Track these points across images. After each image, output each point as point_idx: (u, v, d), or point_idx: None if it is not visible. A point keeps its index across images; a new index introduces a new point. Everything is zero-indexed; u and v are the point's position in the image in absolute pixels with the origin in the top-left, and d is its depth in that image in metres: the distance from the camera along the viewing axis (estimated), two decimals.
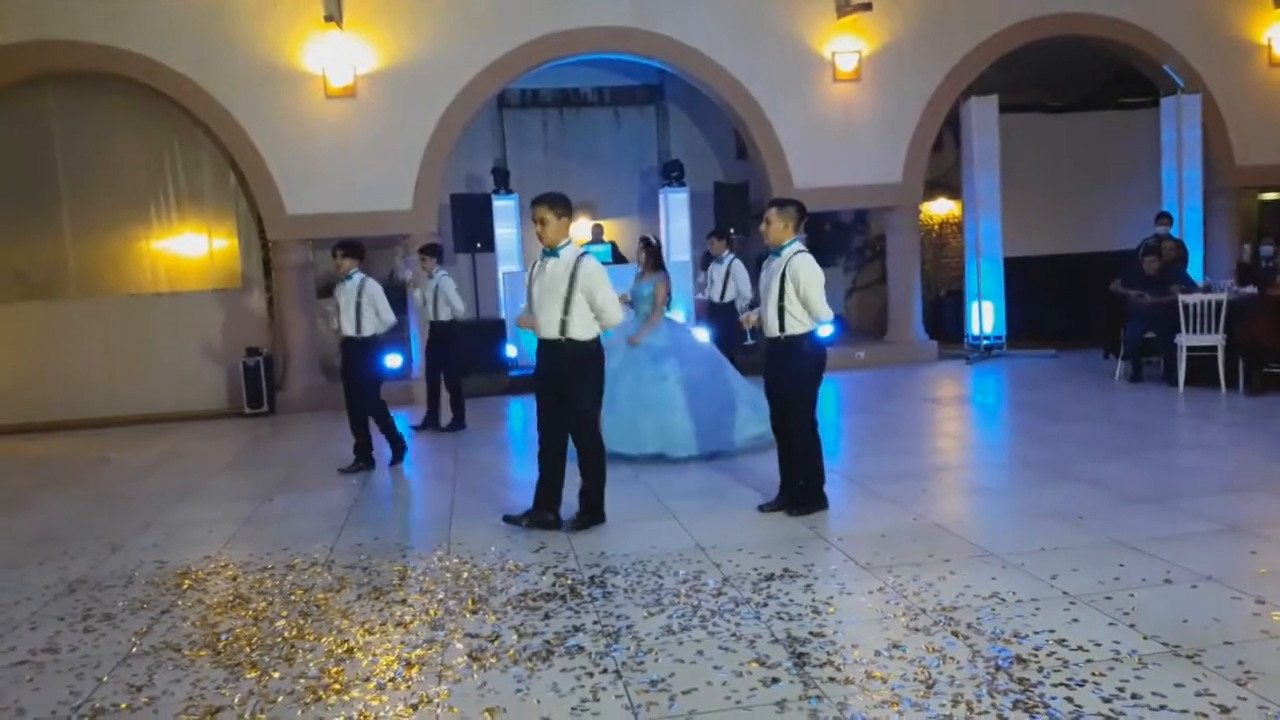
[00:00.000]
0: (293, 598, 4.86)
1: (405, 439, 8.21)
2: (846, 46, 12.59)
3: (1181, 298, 9.57)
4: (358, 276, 7.87)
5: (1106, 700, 3.31)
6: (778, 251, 5.79)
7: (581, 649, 3.99)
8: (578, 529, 5.75)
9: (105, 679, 3.98)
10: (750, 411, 7.58)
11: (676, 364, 7.66)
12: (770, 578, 4.73)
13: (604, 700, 3.52)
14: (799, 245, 5.81)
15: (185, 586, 5.16)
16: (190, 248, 12.31)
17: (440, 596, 4.74)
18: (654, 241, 8.14)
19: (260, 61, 11.39)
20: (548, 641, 4.08)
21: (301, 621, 4.50)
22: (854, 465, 7.20)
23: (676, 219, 13.91)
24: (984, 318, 13.12)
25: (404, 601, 4.70)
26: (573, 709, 3.47)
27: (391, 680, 3.78)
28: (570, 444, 5.88)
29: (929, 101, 12.89)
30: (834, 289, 6.56)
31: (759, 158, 12.82)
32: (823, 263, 5.87)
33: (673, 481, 6.93)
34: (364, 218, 11.59)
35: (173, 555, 5.78)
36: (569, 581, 4.85)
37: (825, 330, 5.97)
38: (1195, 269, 11.96)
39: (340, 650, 4.11)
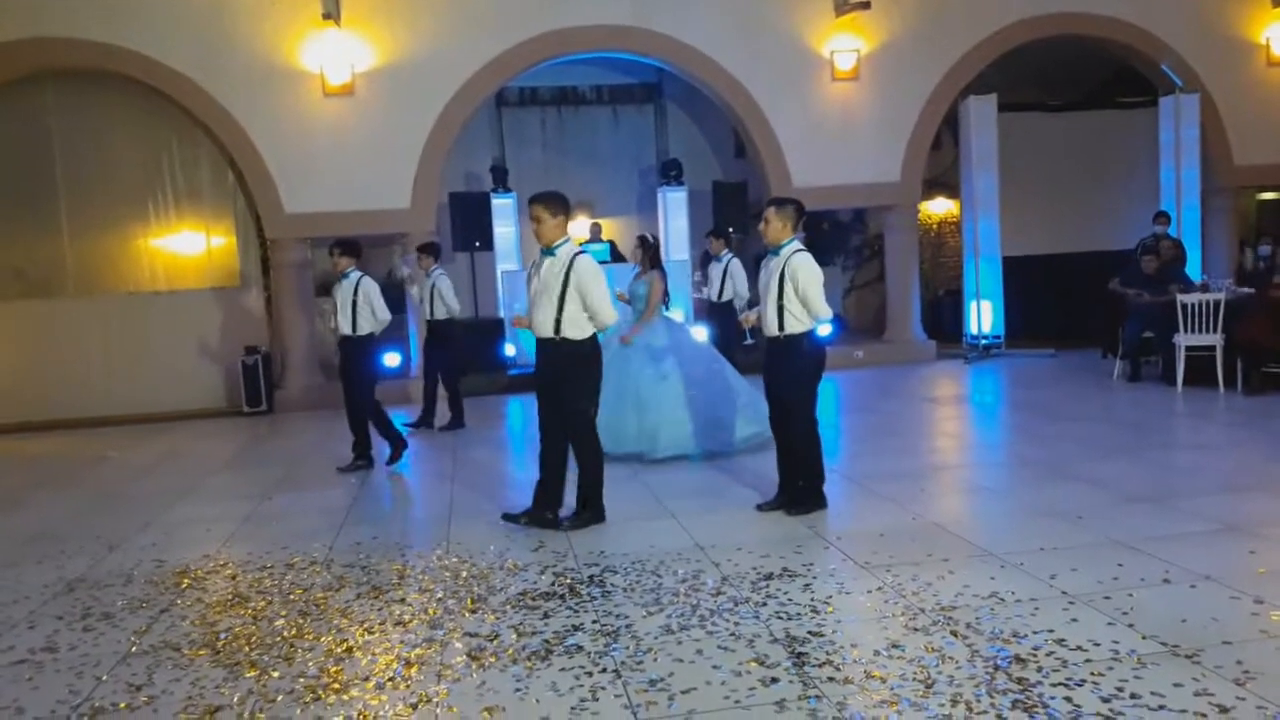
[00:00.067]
0: (292, 597, 4.86)
1: (405, 439, 8.19)
2: (845, 45, 12.59)
3: (1180, 297, 9.57)
4: (355, 275, 7.87)
5: (1105, 700, 3.31)
6: (776, 250, 5.79)
7: (580, 648, 3.99)
8: (576, 528, 5.75)
9: (104, 678, 3.98)
10: (749, 411, 7.58)
11: (676, 363, 7.66)
12: (769, 577, 4.73)
13: (603, 699, 3.52)
14: (798, 244, 5.81)
15: (184, 585, 5.16)
16: (188, 246, 12.29)
17: (439, 595, 4.74)
18: (651, 240, 8.13)
19: (259, 60, 11.38)
20: (547, 641, 4.08)
21: (301, 620, 4.50)
22: (853, 464, 7.20)
23: (675, 218, 13.92)
24: (982, 317, 13.13)
25: (403, 600, 4.70)
26: (572, 708, 3.47)
27: (391, 679, 3.78)
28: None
29: (927, 100, 12.90)
30: (832, 288, 6.57)
31: (757, 156, 12.82)
32: (821, 262, 5.87)
33: (672, 481, 6.93)
34: (362, 216, 11.58)
35: (171, 554, 5.78)
36: (568, 581, 4.85)
37: (824, 329, 5.98)
38: (1194, 268, 11.97)
39: (339, 649, 4.11)
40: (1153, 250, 11.00)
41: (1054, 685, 3.43)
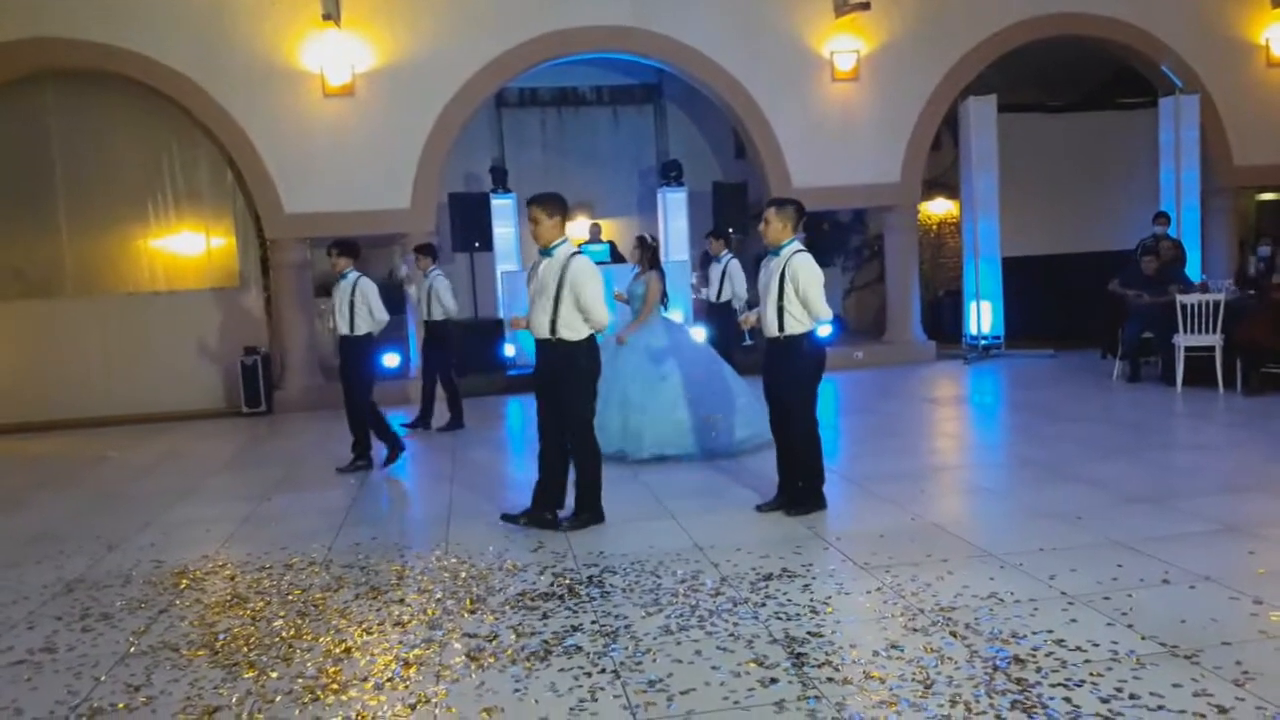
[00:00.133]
0: (290, 597, 4.86)
1: (401, 442, 8.18)
2: (845, 46, 12.59)
3: (1179, 298, 9.57)
4: (352, 275, 7.88)
5: (1104, 700, 3.31)
6: (776, 251, 5.78)
7: (579, 649, 3.99)
8: (575, 529, 5.75)
9: (103, 678, 3.97)
10: (748, 412, 7.58)
11: (675, 364, 7.66)
12: (768, 577, 4.73)
13: (602, 700, 3.52)
14: (798, 245, 5.81)
15: (183, 586, 5.16)
16: (188, 246, 12.29)
17: (438, 596, 4.74)
18: (650, 240, 8.13)
19: (258, 60, 11.38)
20: (546, 641, 4.08)
21: (299, 621, 4.49)
22: (852, 465, 7.20)
23: (675, 218, 13.91)
24: (982, 318, 13.12)
25: (402, 601, 4.70)
26: (571, 709, 3.47)
27: (389, 680, 3.78)
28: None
29: (927, 101, 12.90)
30: (832, 289, 6.57)
31: (757, 157, 12.82)
32: (821, 262, 5.86)
33: (671, 481, 6.93)
34: (362, 216, 11.58)
35: (170, 555, 5.78)
36: (567, 581, 4.85)
37: (824, 330, 5.97)
38: (1193, 269, 11.97)
39: (338, 650, 4.11)
40: (1152, 251, 11.00)
41: (1053, 686, 3.43)
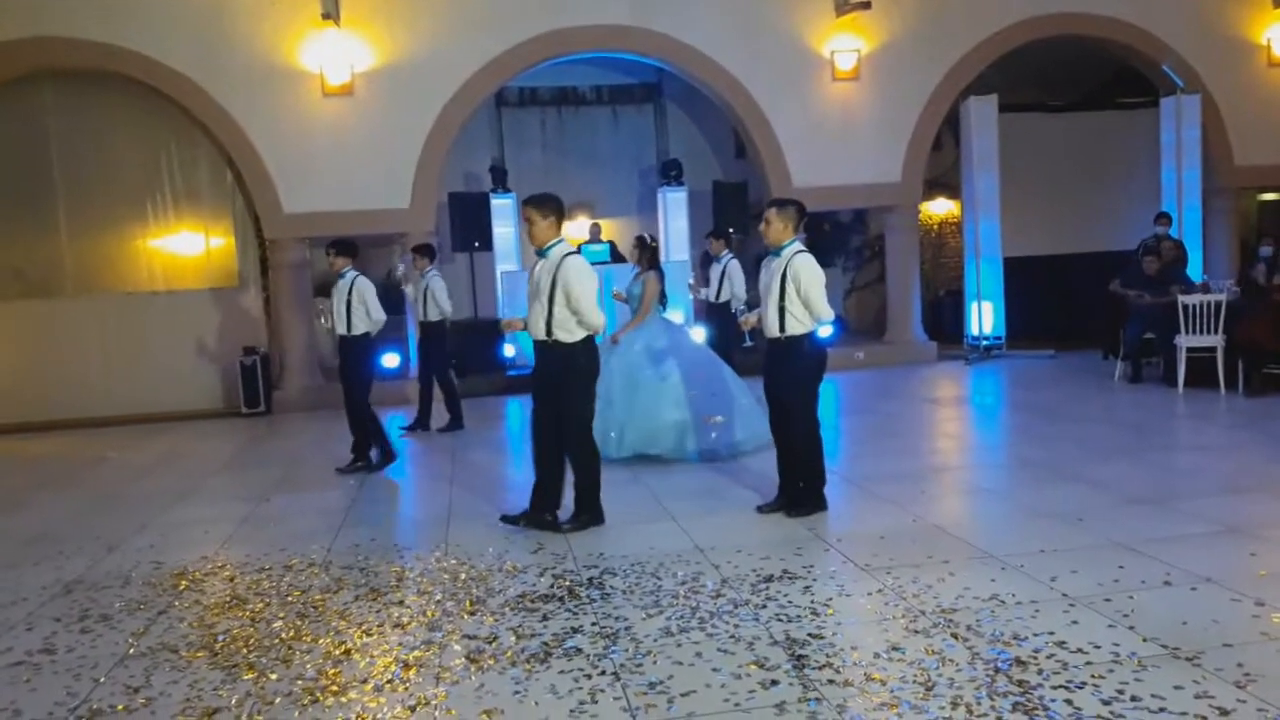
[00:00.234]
0: (290, 599, 4.85)
1: (395, 449, 8.13)
2: (845, 45, 12.58)
3: (1181, 298, 9.56)
4: (350, 274, 7.87)
5: (1106, 703, 3.30)
6: (777, 252, 5.77)
7: (580, 651, 3.98)
8: (575, 530, 5.74)
9: (102, 680, 3.96)
10: (748, 413, 7.56)
11: (673, 365, 7.64)
12: (769, 579, 4.72)
13: (602, 702, 3.51)
14: (799, 245, 5.79)
15: (182, 587, 5.15)
16: (187, 246, 12.28)
17: (438, 598, 4.72)
18: (649, 240, 8.11)
19: (258, 60, 11.37)
20: (546, 643, 4.07)
21: (299, 622, 4.48)
22: (853, 466, 7.19)
23: (675, 218, 13.89)
24: (983, 318, 13.11)
25: (401, 603, 4.69)
26: (571, 711, 3.46)
27: (389, 682, 3.77)
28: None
29: (928, 101, 12.88)
30: (833, 289, 6.56)
31: (758, 157, 12.81)
32: (822, 263, 5.85)
33: (671, 482, 6.92)
34: (361, 216, 11.57)
35: (170, 556, 5.77)
36: (567, 583, 4.84)
37: (825, 331, 5.96)
38: (1194, 270, 11.96)
39: (338, 651, 4.10)
40: (1154, 251, 10.99)
41: (1054, 688, 3.42)
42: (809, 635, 4.00)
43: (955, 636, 3.91)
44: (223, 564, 5.54)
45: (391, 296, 10.18)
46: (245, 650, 4.17)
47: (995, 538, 5.22)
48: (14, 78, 11.18)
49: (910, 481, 6.58)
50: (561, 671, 3.79)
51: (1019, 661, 3.65)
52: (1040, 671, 3.56)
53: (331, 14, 11.01)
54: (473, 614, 4.47)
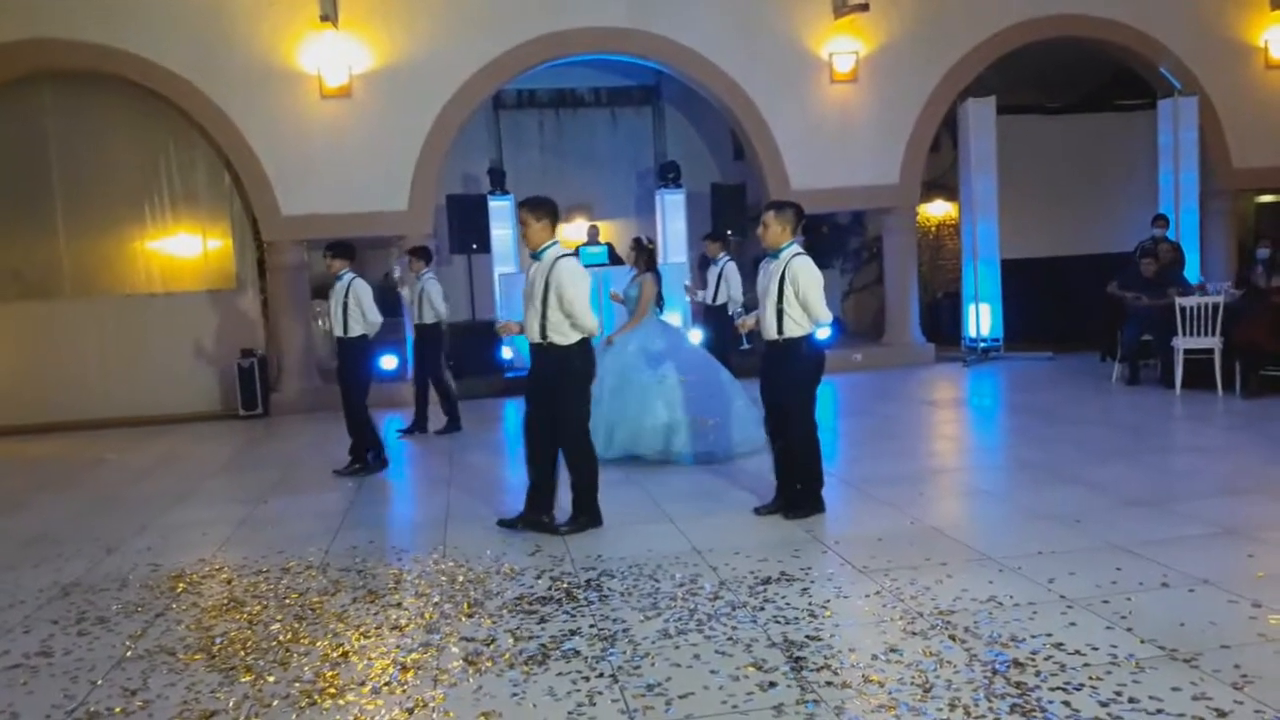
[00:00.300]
0: (287, 601, 4.84)
1: (387, 455, 8.11)
2: (844, 47, 12.58)
3: (1178, 300, 9.57)
4: (347, 276, 7.88)
5: (1104, 704, 3.30)
6: (776, 254, 5.77)
7: (578, 653, 3.98)
8: (573, 532, 5.74)
9: (99, 683, 3.96)
10: (744, 416, 7.55)
11: (671, 367, 7.63)
12: (767, 581, 4.72)
13: (600, 704, 3.51)
14: (797, 248, 5.79)
15: (180, 590, 5.14)
16: (185, 248, 12.26)
17: (436, 600, 4.72)
18: (646, 242, 8.12)
19: (256, 61, 11.36)
20: (544, 645, 4.07)
21: (296, 625, 4.48)
22: (850, 468, 7.19)
23: (673, 220, 13.88)
24: (981, 320, 13.11)
25: (399, 605, 4.68)
26: (569, 713, 3.46)
27: (387, 684, 3.77)
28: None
29: (926, 103, 12.89)
30: (831, 291, 6.55)
31: (756, 159, 12.81)
32: (820, 265, 5.85)
33: (669, 484, 6.92)
34: (359, 218, 11.57)
35: (167, 558, 5.76)
36: (565, 585, 4.84)
37: (823, 333, 5.96)
38: (1192, 272, 11.97)
39: (335, 654, 4.10)
40: (1151, 253, 10.99)
41: (1052, 689, 3.42)
42: (807, 637, 4.00)
43: (953, 638, 3.91)
44: (220, 566, 5.54)
45: (389, 299, 10.16)
46: (243, 653, 4.17)
47: (993, 540, 5.22)
48: (12, 79, 11.17)
49: (908, 483, 6.58)
50: (559, 673, 3.78)
51: (1017, 663, 3.65)
52: (1038, 673, 3.56)
53: (329, 16, 11.01)
54: (471, 616, 4.47)
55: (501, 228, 13.10)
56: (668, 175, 13.91)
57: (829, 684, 3.56)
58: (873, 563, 4.92)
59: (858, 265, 16.17)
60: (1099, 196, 13.87)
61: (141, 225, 12.08)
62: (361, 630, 4.36)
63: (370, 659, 4.02)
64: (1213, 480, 6.34)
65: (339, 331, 7.87)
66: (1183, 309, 9.50)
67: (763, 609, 4.35)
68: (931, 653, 3.78)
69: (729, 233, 12.88)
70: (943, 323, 14.56)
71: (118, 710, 3.69)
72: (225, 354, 11.87)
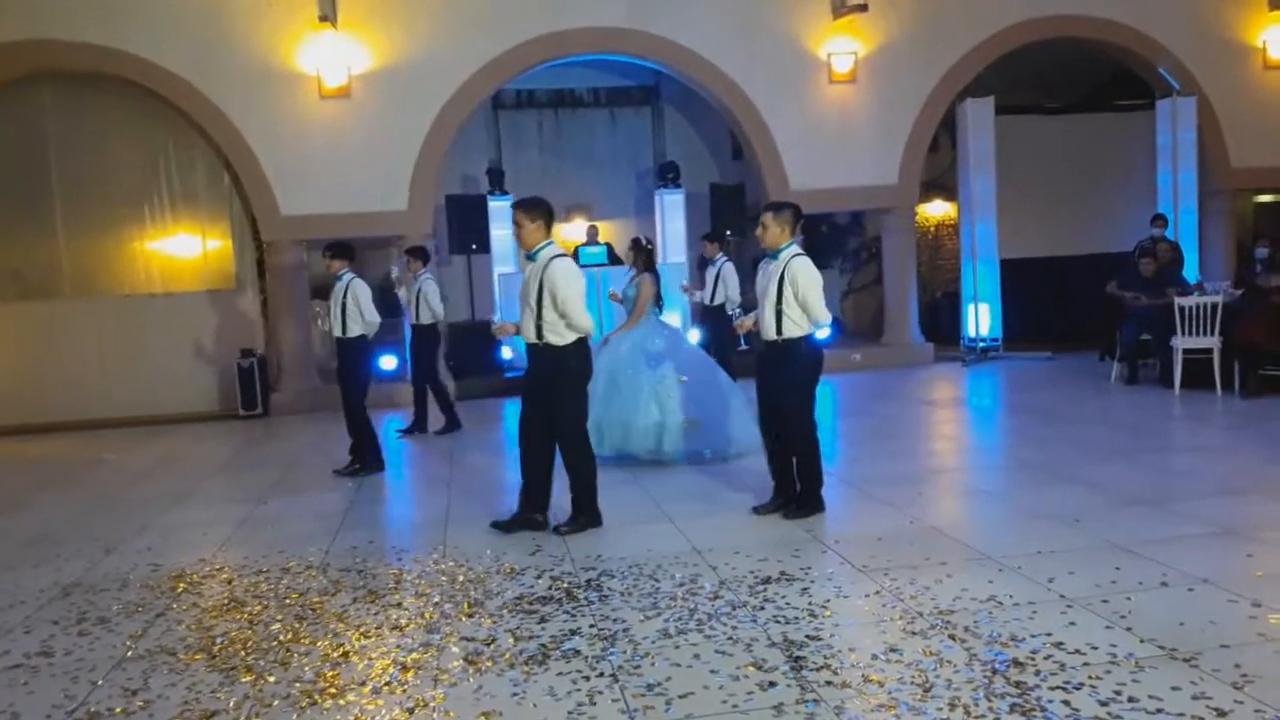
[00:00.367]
0: (288, 601, 4.85)
1: (383, 458, 8.08)
2: (842, 48, 12.59)
3: (1177, 300, 9.58)
4: (346, 277, 7.88)
5: (1103, 703, 3.30)
6: (775, 254, 5.78)
7: (578, 652, 3.98)
8: (573, 532, 5.74)
9: (100, 683, 3.96)
10: (742, 417, 7.55)
11: (672, 367, 7.63)
12: (767, 581, 4.73)
13: (600, 704, 3.51)
14: (796, 249, 5.79)
15: (180, 590, 5.15)
16: (184, 248, 12.27)
17: (436, 600, 4.73)
18: (644, 242, 8.12)
19: (255, 62, 11.36)
20: (544, 645, 4.07)
21: (297, 625, 4.48)
22: (850, 468, 7.20)
23: (672, 220, 13.87)
24: (980, 320, 13.12)
25: (399, 605, 4.69)
26: (569, 713, 3.46)
27: (387, 684, 3.77)
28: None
29: (925, 103, 12.90)
30: (830, 291, 6.56)
31: (755, 159, 12.81)
32: (819, 265, 5.86)
33: (669, 484, 6.92)
34: (359, 218, 11.56)
35: (167, 558, 5.77)
36: (565, 585, 4.84)
37: (823, 333, 5.96)
38: (1191, 271, 11.97)
39: (336, 654, 4.10)
40: (1150, 253, 11.00)
41: (1052, 689, 3.43)
42: (807, 637, 4.00)
43: (953, 638, 3.92)
44: (221, 566, 5.54)
45: (388, 299, 10.17)
46: (243, 653, 4.17)
47: (993, 539, 5.22)
48: (12, 79, 11.17)
49: (908, 483, 6.58)
50: (560, 673, 3.79)
51: (1016, 662, 3.65)
52: (1038, 672, 3.56)
53: (328, 16, 11.02)
54: (471, 616, 4.47)
55: (501, 228, 13.05)
56: (667, 175, 13.91)
57: (829, 683, 3.56)
58: (872, 562, 4.93)
59: (857, 265, 16.17)
60: (1098, 196, 13.88)
61: (141, 225, 12.09)
62: (362, 630, 4.37)
63: (371, 659, 4.03)
64: (1212, 480, 6.35)
65: (338, 332, 7.88)
66: (1182, 308, 9.51)
67: (763, 608, 4.35)
68: (931, 652, 3.78)
69: (728, 233, 12.89)
70: (942, 323, 14.57)
71: (118, 710, 3.69)
72: (225, 354, 11.87)
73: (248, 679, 3.89)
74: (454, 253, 13.12)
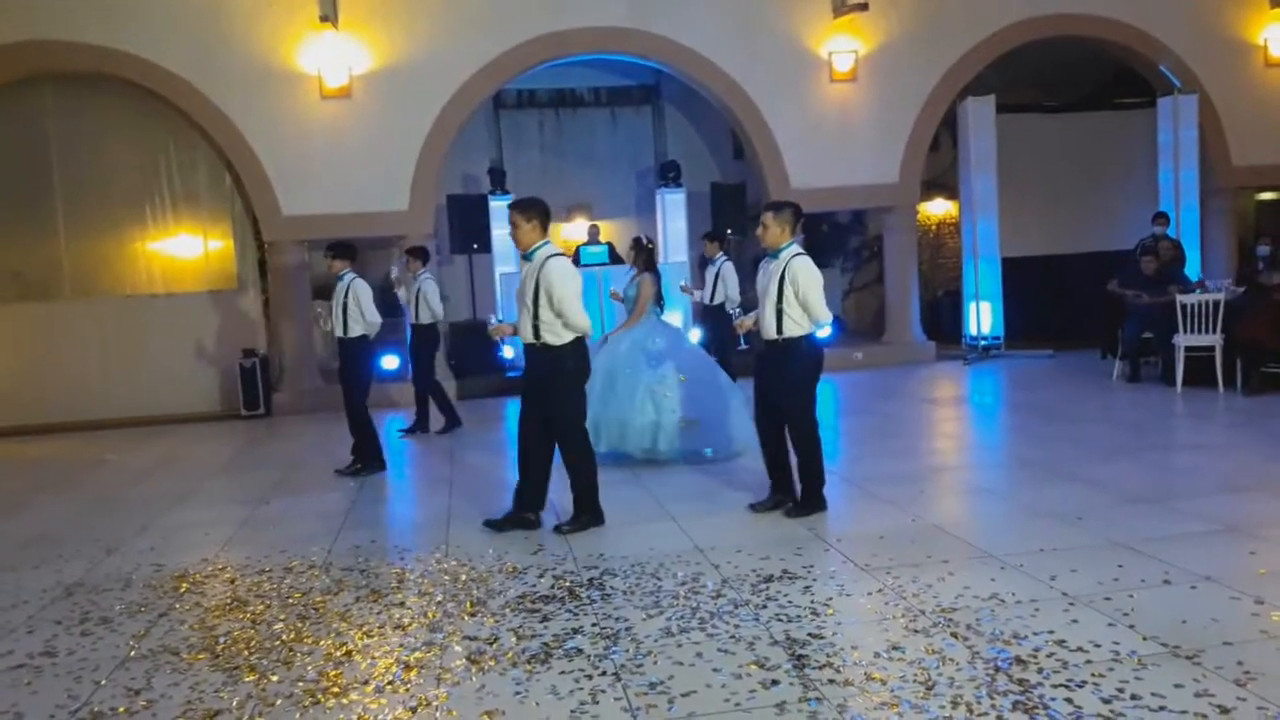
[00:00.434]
0: (290, 600, 4.85)
1: (384, 458, 8.07)
2: (843, 46, 12.59)
3: (1179, 298, 9.57)
4: (348, 277, 7.89)
5: (1106, 701, 3.30)
6: (775, 254, 5.78)
7: (580, 651, 3.98)
8: (575, 531, 5.74)
9: (103, 682, 3.96)
10: (741, 416, 7.54)
11: (672, 366, 7.63)
12: (769, 579, 4.73)
13: (603, 703, 3.51)
14: (797, 248, 5.79)
15: (183, 589, 5.15)
16: (185, 249, 12.27)
17: (438, 599, 4.73)
18: (645, 242, 8.12)
19: (256, 62, 11.37)
20: (546, 644, 4.07)
21: (299, 624, 4.48)
22: (852, 466, 7.20)
23: (673, 220, 13.88)
24: (981, 318, 13.12)
25: (402, 604, 4.69)
26: (572, 711, 3.46)
27: (390, 683, 3.77)
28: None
29: (926, 102, 12.90)
30: (831, 290, 6.57)
31: (756, 158, 12.81)
32: (820, 264, 5.86)
33: (670, 483, 6.92)
34: (360, 218, 11.57)
35: (170, 558, 5.77)
36: (567, 584, 4.84)
37: (824, 332, 5.96)
38: (1193, 269, 11.96)
39: (338, 653, 4.10)
40: (1152, 251, 10.99)
41: (1055, 686, 3.42)
42: (809, 635, 4.00)
43: (955, 636, 3.91)
44: (223, 566, 5.54)
45: (388, 299, 10.17)
46: (246, 652, 4.18)
47: (995, 537, 5.22)
48: (13, 80, 11.17)
49: (909, 481, 6.58)
50: (562, 672, 3.79)
51: (1019, 660, 3.65)
52: (1040, 670, 3.56)
53: (329, 16, 11.02)
54: (473, 615, 4.48)
55: (502, 227, 12.98)
56: (668, 175, 13.92)
57: (831, 682, 3.56)
58: (874, 560, 4.93)
59: (858, 264, 16.17)
60: (1099, 195, 13.86)
61: (142, 226, 12.09)
62: (364, 629, 4.37)
63: (373, 658, 4.03)
64: (1214, 477, 6.34)
65: (339, 332, 7.89)
66: (1183, 306, 9.51)
67: (765, 607, 4.35)
68: (934, 650, 3.78)
69: (729, 232, 12.88)
70: (943, 321, 14.56)
71: (121, 710, 3.70)
72: (226, 354, 11.88)
73: (251, 678, 3.90)
74: (455, 252, 13.12)
